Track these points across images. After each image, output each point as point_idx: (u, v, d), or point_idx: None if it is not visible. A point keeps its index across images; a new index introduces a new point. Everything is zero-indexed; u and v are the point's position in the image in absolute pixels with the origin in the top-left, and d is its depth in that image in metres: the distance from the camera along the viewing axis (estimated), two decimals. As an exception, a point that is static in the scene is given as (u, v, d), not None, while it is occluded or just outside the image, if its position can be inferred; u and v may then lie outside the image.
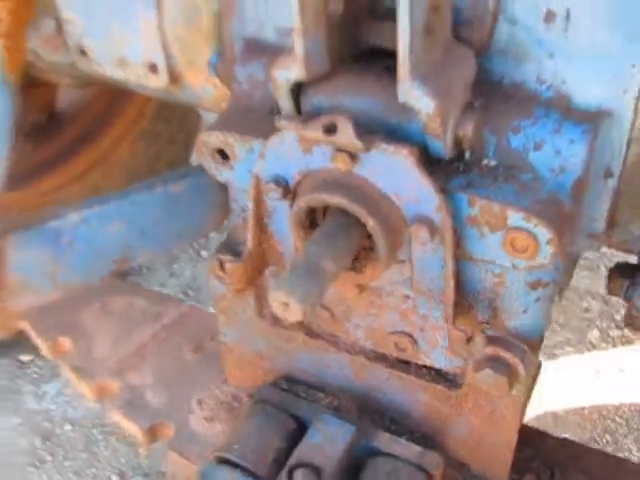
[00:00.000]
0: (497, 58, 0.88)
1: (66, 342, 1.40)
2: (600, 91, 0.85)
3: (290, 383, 1.15)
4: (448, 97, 0.79)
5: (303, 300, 0.77)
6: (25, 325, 1.44)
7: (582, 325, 2.25)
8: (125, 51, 1.31)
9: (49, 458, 1.97)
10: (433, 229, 0.83)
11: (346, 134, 0.79)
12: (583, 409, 2.05)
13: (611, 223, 0.96)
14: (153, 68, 1.30)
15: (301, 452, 1.01)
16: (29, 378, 2.17)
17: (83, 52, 1.38)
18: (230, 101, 1.05)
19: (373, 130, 0.83)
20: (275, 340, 1.14)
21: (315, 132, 0.82)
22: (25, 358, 2.21)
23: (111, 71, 1.37)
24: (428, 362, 1.01)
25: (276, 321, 1.12)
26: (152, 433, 1.24)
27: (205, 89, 1.27)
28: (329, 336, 1.09)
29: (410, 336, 1.00)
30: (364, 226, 0.85)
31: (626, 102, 0.85)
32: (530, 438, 1.16)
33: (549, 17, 0.84)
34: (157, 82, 1.32)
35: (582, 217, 0.92)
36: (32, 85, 1.86)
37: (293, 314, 0.78)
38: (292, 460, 1.00)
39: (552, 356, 2.22)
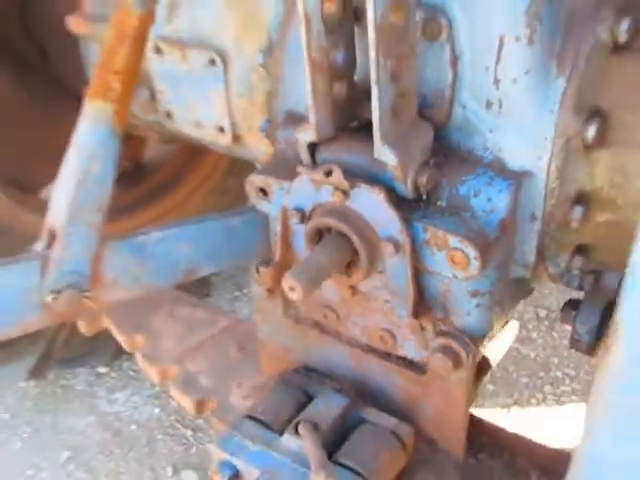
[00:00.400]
0: (454, 132, 1.25)
1: (140, 338, 1.79)
2: (523, 157, 1.21)
3: (306, 370, 1.51)
4: (408, 156, 1.15)
5: (304, 285, 1.15)
6: (109, 323, 1.84)
7: (589, 378, 2.54)
8: (200, 115, 1.73)
9: (117, 450, 2.35)
10: (397, 246, 1.20)
11: (337, 176, 1.18)
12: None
13: (540, 256, 1.30)
14: (221, 130, 1.70)
15: (305, 413, 1.36)
16: (104, 386, 2.57)
17: (169, 115, 1.80)
18: (272, 154, 1.45)
19: (360, 176, 1.20)
20: (296, 336, 1.50)
21: (319, 176, 1.20)
22: (102, 370, 2.61)
23: (189, 130, 1.78)
24: (403, 353, 1.36)
25: (298, 320, 1.49)
26: (200, 405, 1.60)
27: (259, 148, 1.66)
28: (335, 332, 1.44)
29: (390, 332, 1.35)
30: (352, 242, 1.22)
31: (541, 165, 1.20)
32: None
33: (488, 104, 1.21)
34: (224, 141, 1.72)
35: (514, 249, 1.27)
36: (124, 138, 2.29)
37: (296, 294, 1.15)
38: (298, 418, 1.35)
39: (560, 402, 2.51)
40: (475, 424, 1.41)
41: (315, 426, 1.33)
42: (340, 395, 1.40)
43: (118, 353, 2.45)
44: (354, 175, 1.20)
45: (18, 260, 1.41)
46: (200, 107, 1.71)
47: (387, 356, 1.39)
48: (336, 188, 1.21)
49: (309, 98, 1.17)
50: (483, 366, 1.37)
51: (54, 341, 2.23)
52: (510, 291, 1.34)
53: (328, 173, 1.19)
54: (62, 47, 2.03)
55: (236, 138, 1.70)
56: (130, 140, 2.29)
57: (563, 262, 1.31)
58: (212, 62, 1.61)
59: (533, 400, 2.51)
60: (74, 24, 1.90)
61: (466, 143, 1.24)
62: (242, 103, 1.63)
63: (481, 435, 1.46)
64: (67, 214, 1.40)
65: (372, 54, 1.06)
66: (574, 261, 1.29)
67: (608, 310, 1.24)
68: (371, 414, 1.38)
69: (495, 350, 1.41)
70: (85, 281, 1.45)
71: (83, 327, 1.85)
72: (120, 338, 1.81)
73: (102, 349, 2.45)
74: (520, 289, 1.39)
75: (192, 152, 2.56)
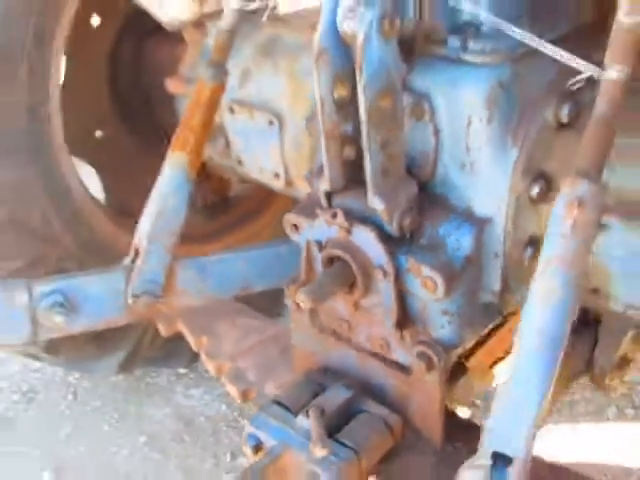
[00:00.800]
0: (438, 186, 1.62)
1: (205, 339, 2.21)
2: (487, 207, 1.56)
3: (325, 370, 1.89)
4: (394, 204, 1.53)
5: (311, 299, 1.54)
6: (182, 327, 2.27)
7: (603, 401, 2.82)
8: (262, 163, 2.15)
9: (187, 438, 2.78)
10: (385, 273, 1.57)
11: (340, 218, 1.57)
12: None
13: (506, 286, 1.64)
14: (277, 175, 2.13)
15: (316, 401, 1.74)
16: (182, 384, 3.00)
17: (239, 161, 2.23)
18: (305, 198, 1.86)
19: (359, 217, 1.58)
20: (319, 342, 1.88)
21: (328, 217, 1.60)
22: (182, 371, 3.06)
23: (254, 174, 2.21)
24: (395, 358, 1.72)
25: (321, 329, 1.87)
26: (244, 394, 2.00)
27: (306, 191, 2.07)
28: (347, 339, 1.81)
29: (386, 340, 1.72)
30: (352, 268, 1.60)
31: (500, 214, 1.56)
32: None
33: (462, 166, 1.57)
34: (279, 185, 2.15)
35: (481, 279, 1.62)
36: (211, 176, 2.74)
37: (305, 305, 1.54)
38: (310, 404, 1.73)
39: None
40: (451, 418, 1.75)
41: (322, 411, 1.70)
42: (346, 389, 1.77)
43: (195, 357, 2.88)
44: (355, 217, 1.59)
45: (110, 270, 1.86)
46: (262, 157, 2.13)
47: (384, 360, 1.75)
48: (340, 227, 1.60)
49: (324, 158, 1.57)
50: (458, 371, 1.72)
51: (141, 341, 2.67)
52: (480, 313, 1.69)
53: (334, 215, 1.58)
54: (162, 101, 2.50)
55: (289, 182, 2.11)
56: (217, 178, 2.76)
57: (526, 292, 1.65)
58: (271, 122, 2.04)
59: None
60: (171, 85, 2.37)
61: (446, 195, 1.61)
62: (293, 155, 2.04)
63: (458, 428, 1.79)
64: (148, 237, 1.84)
65: (364, 129, 1.45)
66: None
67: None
68: (369, 405, 1.75)
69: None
70: (159, 289, 1.88)
71: (162, 329, 2.27)
72: (189, 339, 2.23)
73: (182, 353, 2.87)
74: (490, 312, 1.73)
75: (268, 191, 2.98)
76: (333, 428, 1.68)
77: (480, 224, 1.56)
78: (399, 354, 1.71)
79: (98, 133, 2.70)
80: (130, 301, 1.85)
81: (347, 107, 1.53)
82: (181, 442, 2.75)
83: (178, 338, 2.28)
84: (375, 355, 1.77)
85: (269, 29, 2.14)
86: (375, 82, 1.43)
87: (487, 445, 1.28)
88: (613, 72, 1.23)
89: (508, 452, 1.26)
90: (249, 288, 2.04)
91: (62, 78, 2.37)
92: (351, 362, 1.83)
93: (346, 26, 1.40)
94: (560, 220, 1.25)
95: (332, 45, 1.44)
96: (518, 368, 1.27)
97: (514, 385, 1.27)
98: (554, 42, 1.43)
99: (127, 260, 1.88)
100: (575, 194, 1.23)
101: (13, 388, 2.98)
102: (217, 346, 2.18)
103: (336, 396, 1.76)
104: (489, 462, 1.26)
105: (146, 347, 2.70)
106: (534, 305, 1.26)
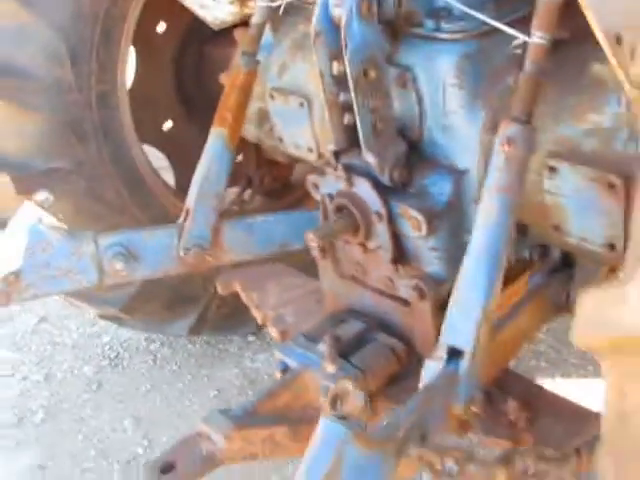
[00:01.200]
0: (426, 146, 1.93)
1: (254, 295, 2.56)
2: (464, 160, 1.86)
3: (347, 309, 2.20)
4: (385, 159, 1.85)
5: (317, 239, 1.87)
6: (237, 286, 2.63)
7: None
8: (298, 140, 2.50)
9: (250, 392, 3.15)
10: (381, 217, 1.89)
11: (341, 173, 1.89)
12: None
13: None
14: (310, 150, 2.47)
15: (333, 331, 2.06)
16: (250, 350, 3.37)
17: (281, 140, 2.58)
18: (323, 162, 2.19)
19: (360, 172, 1.91)
20: (342, 285, 2.20)
21: (335, 173, 1.93)
22: (250, 338, 3.43)
23: (292, 150, 2.54)
24: (398, 293, 2.03)
25: (342, 275, 2.19)
26: (282, 334, 2.34)
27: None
28: (363, 282, 2.12)
29: (391, 279, 2.03)
30: (354, 214, 1.92)
31: (475, 165, 1.85)
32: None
33: (444, 128, 1.88)
34: (312, 157, 2.48)
35: (463, 221, 1.91)
36: (271, 162, 3.10)
37: (314, 244, 1.88)
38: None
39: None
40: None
41: (337, 338, 2.02)
42: (361, 323, 2.09)
43: (262, 326, 3.24)
44: (356, 172, 1.91)
45: (165, 227, 2.25)
46: (297, 134, 2.47)
47: (390, 296, 2.06)
48: (344, 180, 1.92)
49: (329, 124, 1.91)
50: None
51: (208, 308, 3.05)
52: (464, 251, 1.97)
53: (336, 170, 1.92)
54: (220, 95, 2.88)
55: (320, 155, 2.45)
56: (278, 166, 3.11)
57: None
58: (301, 104, 2.38)
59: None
60: (225, 78, 2.75)
61: (432, 152, 1.92)
62: (321, 131, 2.38)
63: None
64: (195, 199, 2.22)
65: (353, 97, 1.78)
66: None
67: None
68: (380, 336, 2.05)
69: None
70: (207, 243, 2.25)
71: (220, 288, 2.64)
72: (242, 295, 2.59)
73: (250, 322, 3.23)
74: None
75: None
76: (347, 353, 2.00)
77: (459, 174, 1.86)
78: (401, 289, 2.02)
79: (167, 125, 3.11)
80: (181, 253, 2.22)
81: (344, 81, 1.86)
82: (246, 396, 3.11)
83: (244, 307, 2.60)
84: (383, 293, 2.08)
85: (302, 26, 2.49)
86: (358, 57, 1.75)
87: (443, 340, 1.58)
88: (537, 38, 1.52)
89: (459, 345, 1.57)
90: (287, 247, 2.40)
91: (132, 76, 2.79)
92: (366, 301, 2.14)
93: (335, 11, 1.74)
94: (497, 156, 1.54)
95: (326, 28, 1.78)
96: (465, 276, 1.57)
97: (462, 290, 1.57)
98: (515, 22, 1.72)
99: (180, 220, 2.25)
100: (507, 134, 1.53)
101: (103, 356, 3.41)
102: (264, 299, 2.52)
103: (351, 328, 2.08)
104: (445, 354, 1.57)
105: (213, 314, 3.07)
106: (478, 225, 1.55)
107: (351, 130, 1.91)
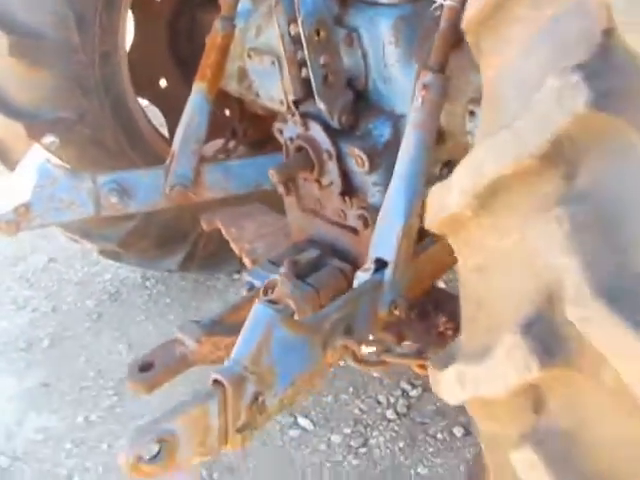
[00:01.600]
0: (371, 94, 2.26)
1: (233, 230, 2.92)
2: (402, 107, 2.20)
3: (309, 240, 2.56)
4: (334, 106, 2.19)
5: (278, 174, 2.22)
6: (219, 223, 2.98)
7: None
8: (271, 94, 2.83)
9: (235, 323, 3.51)
10: (330, 155, 2.24)
11: (297, 119, 2.24)
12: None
13: (423, 168, 2.27)
14: (282, 102, 2.80)
15: (292, 257, 2.42)
16: (235, 286, 3.73)
17: (258, 94, 2.92)
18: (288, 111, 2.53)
19: (314, 117, 2.25)
20: (304, 219, 2.55)
21: (294, 119, 2.27)
22: (235, 276, 3.79)
23: (268, 103, 2.88)
24: (349, 223, 2.38)
25: (304, 209, 2.54)
26: (253, 261, 2.70)
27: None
28: (322, 215, 2.48)
29: (343, 211, 2.37)
30: (309, 152, 2.27)
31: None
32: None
33: (385, 79, 2.21)
34: (283, 108, 2.82)
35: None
36: (255, 117, 3.44)
37: (275, 179, 2.23)
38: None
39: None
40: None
41: (295, 262, 2.37)
42: (317, 250, 2.44)
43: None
44: (311, 118, 2.26)
45: (154, 168, 2.61)
46: (270, 89, 2.81)
47: (343, 226, 2.41)
48: (301, 124, 2.27)
49: (289, 78, 2.25)
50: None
51: (196, 245, 3.41)
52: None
53: (294, 116, 2.26)
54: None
55: (289, 106, 2.78)
56: (259, 119, 3.44)
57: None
58: (273, 62, 2.71)
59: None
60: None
61: (376, 100, 2.26)
62: (288, 86, 2.71)
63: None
64: (179, 144, 2.57)
65: (306, 53, 2.12)
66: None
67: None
68: (333, 261, 2.41)
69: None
70: (189, 182, 2.60)
71: (204, 224, 2.99)
72: (223, 230, 2.95)
73: (234, 261, 3.59)
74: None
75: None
76: (303, 275, 2.35)
77: (397, 119, 2.21)
78: (350, 219, 2.37)
79: (162, 83, 3.46)
80: (167, 190, 2.57)
81: (300, 40, 2.19)
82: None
83: (229, 247, 2.91)
84: (336, 223, 2.43)
85: (276, -7, 2.81)
86: (310, 20, 2.09)
87: (371, 253, 1.94)
88: (450, 1, 1.86)
89: (384, 257, 1.92)
90: (260, 186, 2.74)
91: (131, 38, 3.13)
92: (323, 231, 2.49)
93: (290, -20, 2.08)
94: (416, 100, 1.89)
95: (284, -4, 2.12)
96: (389, 199, 1.92)
97: (387, 211, 1.92)
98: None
99: (167, 162, 2.61)
100: (423, 82, 1.87)
101: (104, 291, 3.78)
102: (241, 234, 2.88)
103: (309, 254, 2.43)
104: (372, 265, 1.92)
105: (200, 251, 3.43)
106: (400, 156, 1.90)
107: (307, 82, 2.25)
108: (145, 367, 2.12)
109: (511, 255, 1.13)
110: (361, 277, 1.95)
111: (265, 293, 1.74)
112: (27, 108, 2.87)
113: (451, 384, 1.28)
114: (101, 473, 2.76)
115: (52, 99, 2.88)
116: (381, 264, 1.93)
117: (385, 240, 1.92)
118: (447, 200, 1.20)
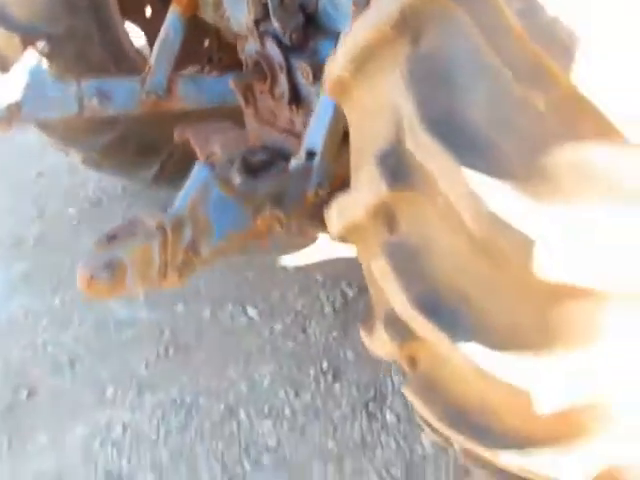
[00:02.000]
0: (321, 17, 2.61)
1: (201, 139, 3.28)
2: (346, 26, 2.56)
3: (262, 146, 2.93)
4: (286, 25, 2.54)
5: (236, 84, 2.59)
6: (188, 134, 3.34)
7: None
8: (240, 19, 3.19)
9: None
10: (282, 68, 2.60)
11: (255, 36, 2.61)
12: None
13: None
14: (248, 27, 3.16)
15: (244, 157, 2.79)
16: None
17: (229, 19, 3.28)
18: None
19: (271, 35, 2.61)
20: (261, 128, 2.92)
21: (252, 36, 2.64)
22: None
23: (236, 27, 3.25)
24: (297, 130, 2.75)
25: (260, 121, 2.91)
26: (208, 157, 3.07)
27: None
28: (276, 126, 2.85)
29: (292, 119, 2.74)
30: (264, 66, 2.64)
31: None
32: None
33: (333, 3, 2.57)
34: (248, 33, 3.19)
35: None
36: (231, 46, 3.80)
37: (232, 86, 2.60)
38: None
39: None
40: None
41: (246, 159, 2.74)
42: (269, 153, 2.81)
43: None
44: (267, 35, 2.62)
45: (133, 77, 2.97)
46: (239, 15, 3.17)
47: (292, 133, 2.77)
48: (258, 41, 2.64)
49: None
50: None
51: (166, 163, 3.78)
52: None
53: (253, 35, 2.63)
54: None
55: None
56: (234, 47, 3.80)
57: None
58: (242, -9, 3.07)
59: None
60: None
61: (325, 22, 2.61)
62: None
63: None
64: (155, 57, 2.93)
65: (264, -22, 2.48)
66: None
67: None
68: (281, 163, 2.78)
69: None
70: (163, 91, 2.97)
71: (175, 136, 3.35)
72: (191, 139, 3.31)
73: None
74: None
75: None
76: (253, 173, 2.73)
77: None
78: (297, 127, 2.74)
79: (148, 11, 3.81)
80: (143, 97, 2.94)
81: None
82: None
83: None
84: (287, 131, 2.80)
85: None
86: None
87: (303, 145, 2.31)
88: None
89: (313, 148, 2.30)
90: (226, 101, 3.11)
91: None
92: (276, 139, 2.86)
93: None
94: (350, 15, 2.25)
95: None
96: (321, 98, 2.28)
97: (318, 108, 2.29)
98: None
99: (144, 73, 2.97)
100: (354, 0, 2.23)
101: (85, 200, 4.16)
102: (206, 143, 3.25)
103: (260, 156, 2.80)
104: (304, 154, 2.30)
105: (170, 168, 3.79)
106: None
107: (266, 5, 2.62)
108: (110, 238, 2.49)
109: (377, 106, 1.50)
110: (294, 164, 2.32)
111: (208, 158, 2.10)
112: (24, 22, 3.22)
113: (334, 217, 1.67)
114: (72, 343, 3.15)
115: (46, 16, 3.23)
116: (311, 155, 2.31)
117: (315, 135, 2.30)
118: (333, 67, 1.57)
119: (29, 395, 2.91)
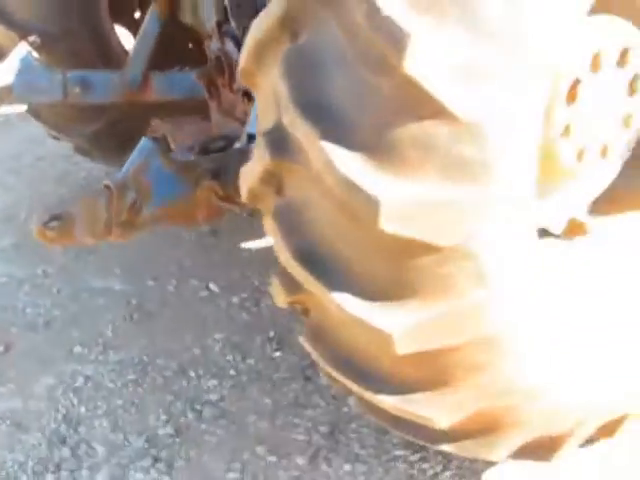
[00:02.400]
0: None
1: (172, 129, 3.62)
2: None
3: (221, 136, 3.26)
4: (244, 24, 2.89)
5: (198, 77, 2.94)
6: (164, 128, 3.68)
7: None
8: (212, 21, 3.54)
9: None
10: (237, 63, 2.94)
11: (217, 35, 2.95)
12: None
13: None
14: (214, 31, 3.51)
15: (203, 142, 3.12)
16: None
17: (203, 22, 3.63)
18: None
19: (229, 35, 2.95)
20: (222, 120, 3.25)
21: (214, 35, 2.98)
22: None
23: (209, 31, 3.61)
24: (244, 118, 3.08)
25: (224, 113, 3.24)
26: (175, 141, 3.41)
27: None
28: (234, 115, 3.18)
29: (245, 111, 3.07)
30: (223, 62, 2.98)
31: None
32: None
33: None
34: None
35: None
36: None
37: (197, 78, 2.94)
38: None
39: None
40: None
41: (204, 144, 3.07)
42: (225, 140, 3.14)
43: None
44: (227, 35, 2.96)
45: (113, 71, 3.33)
46: (210, 17, 3.52)
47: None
48: (219, 40, 2.98)
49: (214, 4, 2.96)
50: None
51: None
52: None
53: (215, 34, 2.97)
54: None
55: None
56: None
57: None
58: (215, -4, 3.42)
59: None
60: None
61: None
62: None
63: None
64: (134, 51, 3.29)
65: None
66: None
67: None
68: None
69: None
70: (139, 85, 3.32)
71: (149, 129, 3.70)
72: (164, 129, 3.64)
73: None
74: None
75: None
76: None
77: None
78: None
79: (137, 14, 4.18)
80: (121, 89, 3.30)
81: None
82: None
83: None
84: (243, 122, 3.13)
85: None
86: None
87: (245, 130, 2.64)
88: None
89: (252, 132, 2.62)
90: (197, 95, 3.46)
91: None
92: (235, 129, 3.19)
93: None
94: None
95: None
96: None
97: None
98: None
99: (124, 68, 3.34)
100: None
101: (77, 184, 4.52)
102: (177, 133, 3.59)
103: (217, 144, 3.13)
104: (245, 138, 2.63)
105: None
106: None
107: (226, 8, 2.96)
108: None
109: (269, 90, 1.83)
110: (236, 145, 2.66)
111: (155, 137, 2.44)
112: (22, 22, 3.59)
113: (242, 184, 1.99)
114: (49, 307, 3.50)
115: (43, 17, 3.60)
116: (251, 138, 2.64)
117: (254, 121, 2.62)
118: (241, 60, 1.90)
119: (5, 350, 3.25)
